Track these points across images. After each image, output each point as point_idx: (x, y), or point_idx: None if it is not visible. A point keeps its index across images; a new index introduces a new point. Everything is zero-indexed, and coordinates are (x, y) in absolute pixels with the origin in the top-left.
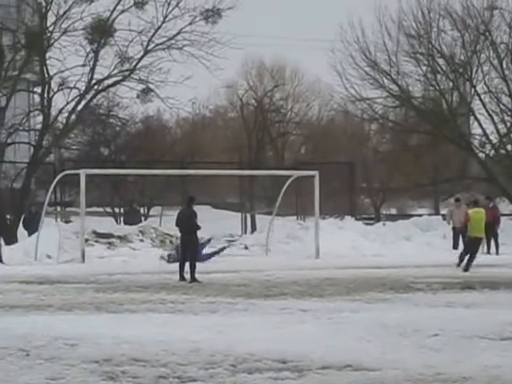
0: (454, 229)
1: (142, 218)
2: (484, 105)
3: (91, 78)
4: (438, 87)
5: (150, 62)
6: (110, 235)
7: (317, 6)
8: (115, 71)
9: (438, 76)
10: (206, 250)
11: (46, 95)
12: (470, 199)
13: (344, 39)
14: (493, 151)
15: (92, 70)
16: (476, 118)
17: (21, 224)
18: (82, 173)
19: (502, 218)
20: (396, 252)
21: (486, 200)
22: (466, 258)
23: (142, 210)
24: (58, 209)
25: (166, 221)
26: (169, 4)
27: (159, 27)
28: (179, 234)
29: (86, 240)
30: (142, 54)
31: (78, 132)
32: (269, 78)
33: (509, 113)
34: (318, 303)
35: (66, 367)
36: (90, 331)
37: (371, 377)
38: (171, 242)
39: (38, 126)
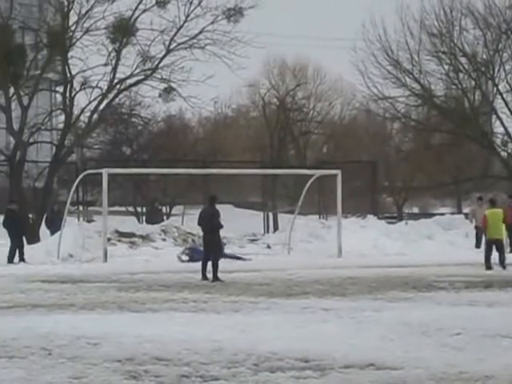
0: (476, 228)
1: (164, 217)
2: (506, 103)
3: (113, 78)
4: (460, 86)
5: (172, 61)
6: (132, 234)
7: (339, 5)
8: (137, 70)
9: (460, 75)
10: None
11: (68, 94)
12: (486, 199)
13: (366, 38)
14: None
15: (114, 69)
16: (498, 117)
17: (43, 223)
18: (105, 172)
19: None
20: (418, 251)
21: (509, 199)
22: (493, 258)
23: (164, 209)
24: (80, 208)
25: (188, 220)
26: (191, 3)
27: (181, 26)
28: (201, 233)
29: (109, 239)
30: (164, 53)
31: (100, 131)
32: (291, 77)
33: None
34: (340, 302)
35: (89, 366)
36: (112, 330)
37: (394, 376)
38: (193, 240)
39: (60, 126)
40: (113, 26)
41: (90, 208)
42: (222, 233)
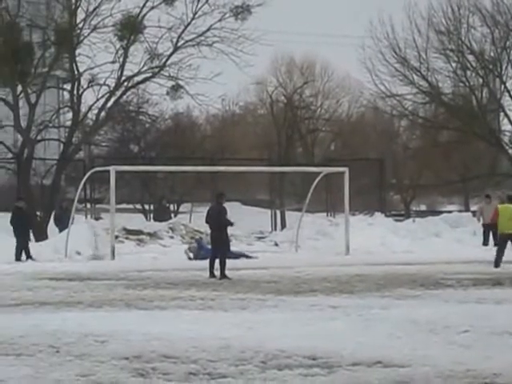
0: (484, 225)
1: (172, 215)
2: None
3: (121, 75)
4: (467, 83)
5: (180, 59)
6: (139, 232)
7: (347, 3)
8: (145, 68)
9: (468, 72)
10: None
11: (75, 92)
12: (502, 196)
13: (374, 36)
14: None
15: (122, 66)
16: (506, 115)
17: (52, 221)
18: (112, 169)
19: None
20: (426, 248)
21: None
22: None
23: (171, 207)
24: (88, 206)
25: (195, 217)
26: (198, 1)
27: (189, 24)
28: (209, 231)
29: (116, 237)
30: (171, 50)
31: (108, 129)
32: (298, 75)
33: None
34: (347, 300)
35: (96, 364)
36: (120, 328)
37: (401, 373)
38: (201, 238)
39: (68, 123)
40: (120, 23)
41: (97, 205)
42: (229, 230)
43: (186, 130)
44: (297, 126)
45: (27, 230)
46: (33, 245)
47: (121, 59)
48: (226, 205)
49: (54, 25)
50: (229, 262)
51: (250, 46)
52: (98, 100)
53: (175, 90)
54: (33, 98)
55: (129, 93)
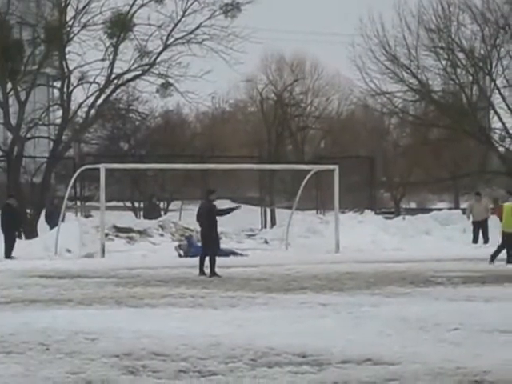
0: (473, 223)
1: (162, 213)
2: (504, 99)
3: (111, 73)
4: (457, 81)
5: (170, 57)
6: (129, 230)
7: (337, 0)
8: (135, 65)
9: (458, 70)
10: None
11: (65, 90)
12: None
13: (364, 33)
14: None
15: (111, 64)
16: (496, 112)
17: (43, 218)
18: (102, 167)
19: None
20: (416, 246)
21: (506, 194)
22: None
23: (161, 205)
24: (78, 203)
25: (185, 215)
26: None
27: (178, 21)
28: (199, 229)
29: (106, 234)
30: (161, 48)
31: (98, 126)
32: (288, 72)
33: None
34: (337, 297)
35: (86, 361)
36: (110, 325)
37: (391, 371)
38: (190, 235)
39: (58, 121)
40: (110, 20)
41: (87, 203)
42: (219, 228)
43: (176, 127)
44: (287, 123)
45: (17, 227)
46: (23, 242)
47: (111, 57)
48: (217, 202)
49: (43, 22)
50: (219, 260)
51: (240, 43)
52: (87, 98)
53: (165, 87)
54: (23, 96)
55: (119, 90)
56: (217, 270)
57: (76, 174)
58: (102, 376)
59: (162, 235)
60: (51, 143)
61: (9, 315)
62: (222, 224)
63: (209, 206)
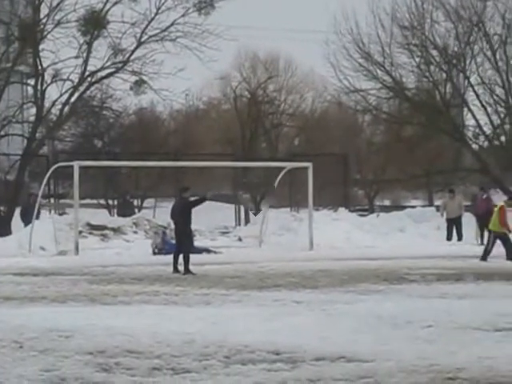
0: (447, 220)
1: (136, 210)
2: (477, 96)
3: (84, 70)
4: (431, 78)
5: (144, 54)
6: (103, 227)
7: None
8: (108, 63)
9: (432, 67)
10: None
11: (39, 87)
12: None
13: (338, 31)
14: (486, 142)
15: (85, 61)
16: (469, 110)
17: (17, 216)
18: (76, 165)
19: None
20: (390, 243)
21: (479, 191)
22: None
23: (135, 202)
24: (52, 201)
25: (159, 213)
26: None
27: (152, 19)
28: (173, 226)
29: (80, 232)
30: (135, 45)
31: (72, 124)
32: (262, 70)
33: (502, 104)
34: (311, 295)
35: (60, 359)
36: (84, 323)
37: (365, 368)
38: (164, 232)
39: (32, 118)
40: (84, 18)
41: (61, 201)
42: (193, 226)
43: (150, 125)
44: (261, 120)
45: None
46: None
47: (84, 54)
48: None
49: (17, 20)
50: (193, 257)
51: (214, 41)
52: (61, 95)
53: (139, 85)
54: None
55: (92, 88)
56: (191, 267)
57: (50, 171)
58: (75, 373)
59: (135, 232)
60: (25, 141)
61: None
62: (196, 222)
63: (183, 203)
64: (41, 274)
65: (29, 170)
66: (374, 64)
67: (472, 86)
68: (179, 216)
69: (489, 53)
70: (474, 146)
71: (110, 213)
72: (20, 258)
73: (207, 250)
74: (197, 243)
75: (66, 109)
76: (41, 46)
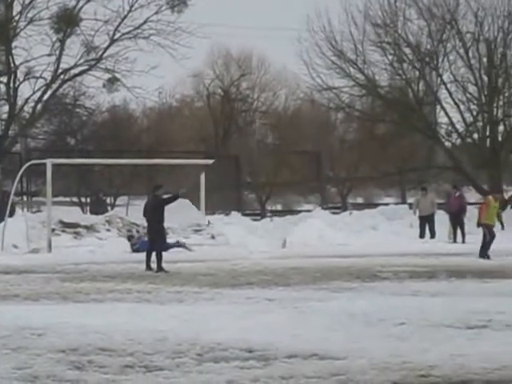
0: (420, 218)
1: (109, 208)
2: (450, 94)
3: (57, 68)
4: (404, 76)
5: (117, 52)
6: (76, 225)
7: None
8: (81, 61)
9: (404, 65)
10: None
11: (11, 85)
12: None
13: (310, 28)
14: (459, 140)
15: (58, 59)
16: (442, 107)
17: None
18: (49, 162)
19: (469, 207)
20: (362, 241)
21: (452, 189)
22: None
23: (108, 200)
24: (25, 199)
25: (132, 210)
26: None
27: (125, 16)
28: (146, 224)
29: (53, 230)
30: (108, 43)
31: (45, 122)
32: (235, 68)
33: (475, 101)
34: (284, 292)
35: (33, 357)
36: (56, 321)
37: (337, 366)
38: (137, 231)
39: (4, 116)
40: (57, 15)
41: (34, 198)
42: (166, 223)
43: (123, 122)
44: (234, 118)
45: None
46: None
47: (57, 52)
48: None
49: None
50: (166, 255)
51: (187, 38)
52: (34, 93)
53: (112, 82)
54: None
55: (65, 85)
56: (163, 265)
57: (22, 169)
58: (48, 371)
59: (108, 230)
60: None
61: None
62: (169, 219)
63: (155, 201)
64: (13, 271)
65: (1, 167)
66: (347, 62)
67: (445, 83)
68: (152, 214)
69: (461, 50)
70: (447, 144)
71: (82, 210)
72: None
73: (179, 245)
74: (170, 240)
75: (39, 106)
76: (13, 44)
